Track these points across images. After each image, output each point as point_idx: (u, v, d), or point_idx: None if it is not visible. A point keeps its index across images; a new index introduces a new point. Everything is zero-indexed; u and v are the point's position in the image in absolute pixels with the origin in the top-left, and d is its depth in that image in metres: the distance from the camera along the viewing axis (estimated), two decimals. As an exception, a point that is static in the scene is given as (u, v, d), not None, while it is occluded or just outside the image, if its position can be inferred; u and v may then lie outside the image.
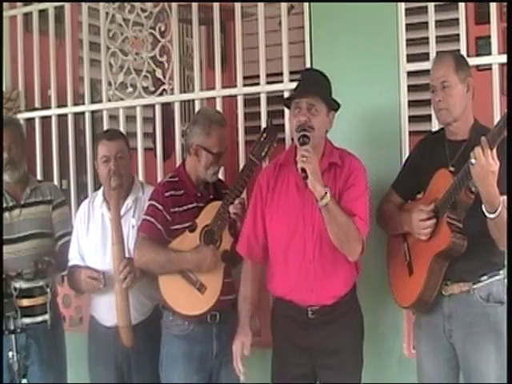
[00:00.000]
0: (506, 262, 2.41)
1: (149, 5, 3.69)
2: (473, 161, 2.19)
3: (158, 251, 2.70)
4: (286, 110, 2.98)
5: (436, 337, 2.54)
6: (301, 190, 2.51)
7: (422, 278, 2.47)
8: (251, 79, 3.47)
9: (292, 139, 2.76)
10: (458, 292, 2.48)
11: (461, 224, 2.40)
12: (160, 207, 2.75)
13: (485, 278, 2.47)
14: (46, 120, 4.00)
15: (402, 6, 3.03)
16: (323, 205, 2.33)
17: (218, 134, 2.79)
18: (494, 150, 2.19)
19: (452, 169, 2.45)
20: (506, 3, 3.05)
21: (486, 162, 2.17)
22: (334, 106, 2.57)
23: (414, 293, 2.50)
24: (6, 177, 3.02)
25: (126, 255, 2.82)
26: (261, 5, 3.39)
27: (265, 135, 2.71)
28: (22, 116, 4.01)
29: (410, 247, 2.60)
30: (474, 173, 2.21)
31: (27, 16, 4.06)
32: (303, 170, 2.31)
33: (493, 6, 2.96)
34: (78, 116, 4.02)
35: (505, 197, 2.26)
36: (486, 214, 2.27)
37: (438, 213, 2.43)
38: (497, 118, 2.87)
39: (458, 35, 3.01)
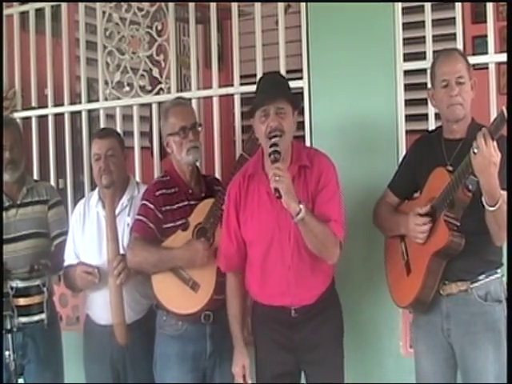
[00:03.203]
0: (505, 261, 2.41)
1: (145, 4, 3.68)
2: (475, 150, 2.18)
3: (150, 250, 2.70)
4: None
5: (434, 336, 2.54)
6: (272, 197, 2.44)
7: (420, 277, 2.46)
8: (248, 78, 3.46)
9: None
10: (456, 291, 2.47)
11: (458, 222, 2.39)
12: (151, 206, 2.75)
13: (483, 276, 2.46)
14: (42, 119, 3.99)
15: (399, 5, 3.04)
16: (299, 219, 2.32)
17: (175, 113, 2.80)
18: (495, 142, 2.18)
19: (450, 168, 2.44)
20: (503, 3, 3.06)
21: (487, 152, 2.16)
22: (297, 106, 2.55)
23: (412, 292, 2.50)
24: (6, 177, 3.02)
25: (121, 252, 2.81)
26: (258, 4, 3.40)
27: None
28: (19, 115, 4.00)
29: (408, 247, 2.59)
30: (476, 163, 2.20)
31: (24, 15, 4.04)
32: (276, 190, 2.28)
33: (489, 5, 2.96)
34: (75, 115, 4.02)
35: (505, 192, 2.25)
36: (486, 206, 2.26)
37: (435, 212, 2.43)
38: (493, 116, 2.88)
39: (454, 34, 3.01)
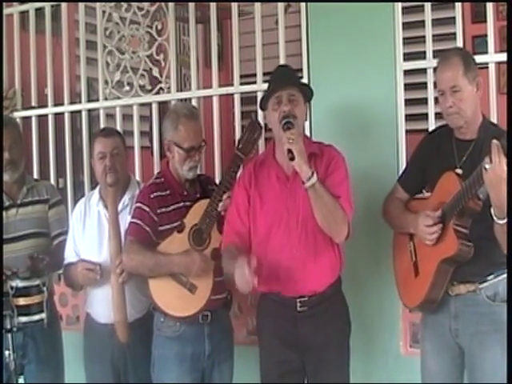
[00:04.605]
0: (506, 262, 2.39)
1: (145, 3, 3.68)
2: (487, 166, 2.14)
3: (146, 254, 2.68)
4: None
5: (441, 335, 2.52)
6: (282, 182, 2.55)
7: (428, 281, 2.44)
8: (248, 78, 3.47)
9: (266, 140, 2.77)
10: (464, 292, 2.46)
11: (467, 231, 2.36)
12: (146, 209, 2.73)
13: (491, 277, 2.44)
14: (42, 118, 4.00)
15: (399, 4, 3.04)
16: (310, 185, 2.36)
17: (188, 127, 2.75)
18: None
19: (460, 170, 2.42)
20: (503, 3, 3.05)
21: (500, 169, 2.12)
22: (308, 97, 2.63)
23: (420, 295, 2.48)
24: (6, 177, 3.01)
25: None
26: (257, 3, 3.40)
27: (249, 130, 2.71)
28: (19, 114, 4.01)
29: (416, 247, 2.56)
30: (487, 179, 2.16)
31: (24, 14, 4.05)
32: (290, 151, 2.34)
33: (489, 5, 2.96)
34: (75, 115, 4.03)
35: None
36: (496, 219, 2.23)
37: (445, 218, 2.40)
38: (493, 116, 2.88)
39: (454, 34, 3.00)
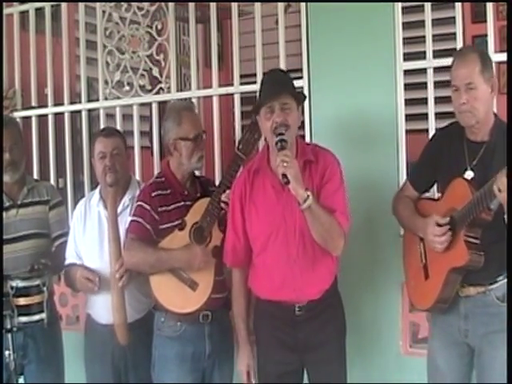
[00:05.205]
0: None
1: (145, 3, 3.68)
2: (500, 187, 2.13)
3: (147, 251, 2.70)
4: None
5: (450, 334, 2.51)
6: (278, 191, 2.51)
7: (438, 286, 2.43)
8: (248, 77, 3.47)
9: (266, 140, 2.76)
10: (474, 294, 2.44)
11: (478, 240, 2.35)
12: (147, 207, 2.74)
13: (501, 278, 2.42)
14: (42, 118, 4.00)
15: (399, 4, 3.04)
16: (306, 207, 2.33)
17: (190, 119, 2.79)
18: None
19: (471, 173, 2.40)
20: (503, 3, 3.05)
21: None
22: (301, 101, 2.59)
23: (430, 298, 2.47)
24: (6, 177, 3.00)
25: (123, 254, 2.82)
26: (257, 3, 3.40)
27: (250, 131, 2.71)
28: (19, 114, 4.01)
29: (427, 250, 2.53)
30: (502, 198, 2.15)
31: (24, 14, 4.05)
32: (284, 176, 2.29)
33: (489, 4, 2.96)
34: (75, 114, 4.03)
35: None
36: None
37: (455, 226, 2.37)
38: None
39: (454, 34, 3.00)
